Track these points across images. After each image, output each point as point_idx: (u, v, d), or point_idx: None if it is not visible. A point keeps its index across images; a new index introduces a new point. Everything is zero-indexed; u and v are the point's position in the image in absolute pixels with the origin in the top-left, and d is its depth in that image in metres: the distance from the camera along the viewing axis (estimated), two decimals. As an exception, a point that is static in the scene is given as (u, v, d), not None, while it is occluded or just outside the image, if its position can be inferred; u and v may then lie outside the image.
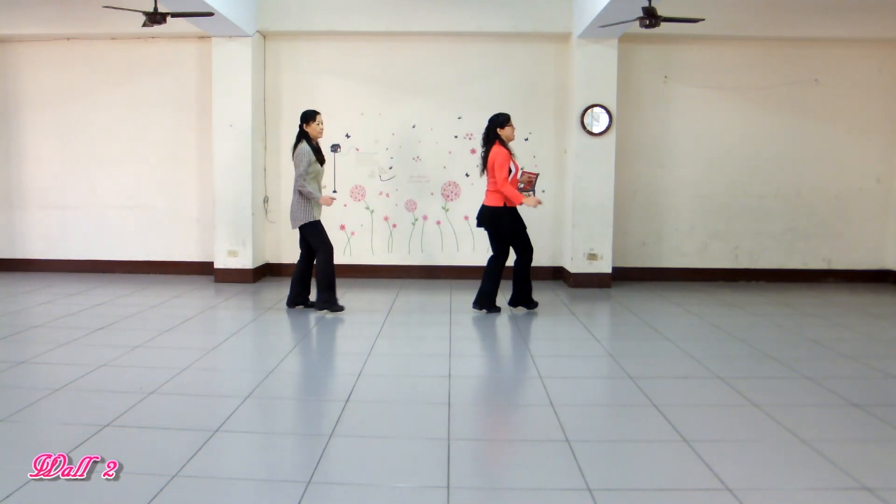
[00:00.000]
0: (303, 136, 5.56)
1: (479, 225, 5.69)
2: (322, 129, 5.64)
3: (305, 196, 5.49)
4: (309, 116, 5.58)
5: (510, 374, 4.26)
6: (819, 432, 3.14)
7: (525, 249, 5.62)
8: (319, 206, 5.58)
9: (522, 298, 5.78)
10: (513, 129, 5.60)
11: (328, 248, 5.60)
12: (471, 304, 5.84)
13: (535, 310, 5.86)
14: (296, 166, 5.51)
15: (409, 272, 7.69)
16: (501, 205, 5.46)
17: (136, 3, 5.71)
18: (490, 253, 5.73)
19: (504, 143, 5.50)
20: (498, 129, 5.52)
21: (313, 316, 5.58)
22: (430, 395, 3.64)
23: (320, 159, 5.59)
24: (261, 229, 7.56)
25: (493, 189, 5.49)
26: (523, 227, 5.60)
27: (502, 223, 5.50)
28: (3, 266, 7.87)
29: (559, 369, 4.24)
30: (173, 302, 6.19)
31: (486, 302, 5.71)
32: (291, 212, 5.59)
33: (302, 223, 5.55)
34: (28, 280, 7.22)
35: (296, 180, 5.50)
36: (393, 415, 3.41)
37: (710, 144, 7.61)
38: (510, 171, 5.40)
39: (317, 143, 5.64)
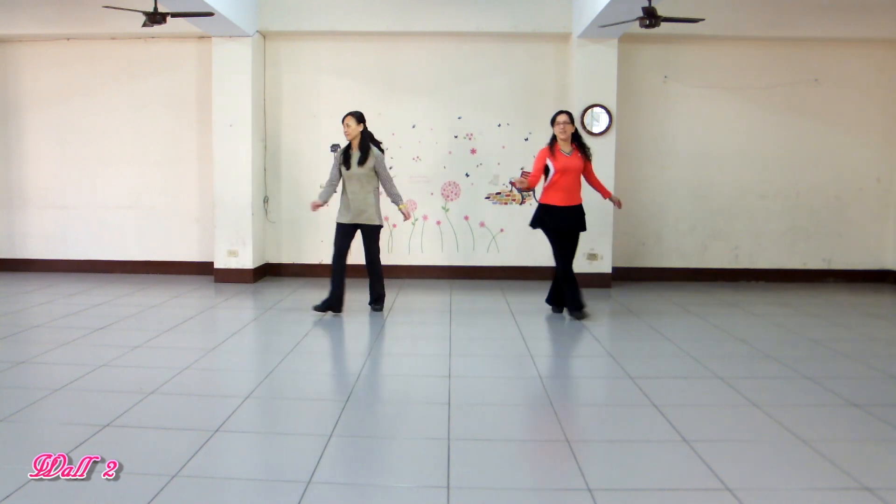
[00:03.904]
0: (367, 136, 5.60)
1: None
2: None
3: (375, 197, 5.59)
4: (364, 117, 5.64)
5: (510, 374, 4.25)
6: (819, 432, 3.14)
7: (555, 255, 5.49)
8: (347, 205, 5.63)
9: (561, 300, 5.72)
10: (559, 125, 5.38)
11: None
12: (470, 304, 5.81)
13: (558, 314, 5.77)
14: (384, 168, 5.58)
15: (408, 272, 7.69)
16: (542, 202, 5.46)
17: (136, 3, 5.71)
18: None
19: (555, 140, 5.44)
20: (552, 126, 5.50)
21: (312, 317, 5.58)
22: (430, 395, 3.64)
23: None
24: (261, 229, 7.55)
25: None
26: (553, 229, 5.43)
27: (538, 219, 5.49)
28: (3, 266, 7.87)
29: (559, 369, 4.25)
30: (173, 302, 6.19)
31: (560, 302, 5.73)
32: (368, 211, 5.56)
33: (378, 223, 5.63)
34: (28, 280, 7.22)
35: (387, 181, 5.62)
36: (393, 415, 3.41)
37: (710, 144, 7.61)
38: (547, 168, 5.37)
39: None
